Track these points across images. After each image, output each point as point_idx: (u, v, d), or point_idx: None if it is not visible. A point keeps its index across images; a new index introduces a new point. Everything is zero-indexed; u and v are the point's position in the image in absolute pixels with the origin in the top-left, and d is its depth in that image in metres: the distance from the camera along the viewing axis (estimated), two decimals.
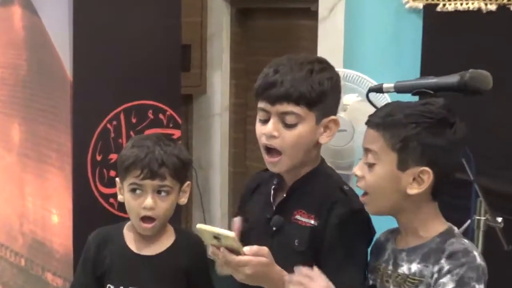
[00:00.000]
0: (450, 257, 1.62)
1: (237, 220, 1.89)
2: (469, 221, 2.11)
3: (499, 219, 2.14)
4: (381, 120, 1.70)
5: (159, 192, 2.03)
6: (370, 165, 1.70)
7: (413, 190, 1.67)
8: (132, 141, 2.11)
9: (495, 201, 2.19)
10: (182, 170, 2.08)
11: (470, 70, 1.80)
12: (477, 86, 1.80)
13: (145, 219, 2.05)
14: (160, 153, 2.04)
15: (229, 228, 1.88)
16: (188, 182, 2.12)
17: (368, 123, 1.74)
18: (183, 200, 2.11)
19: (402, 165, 1.66)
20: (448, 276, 1.60)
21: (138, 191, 2.03)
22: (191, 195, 4.20)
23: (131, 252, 2.09)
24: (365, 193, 1.73)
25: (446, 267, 1.61)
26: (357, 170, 1.73)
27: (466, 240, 1.69)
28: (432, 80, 1.87)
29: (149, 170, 2.01)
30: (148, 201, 2.02)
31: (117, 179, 2.12)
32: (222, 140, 4.18)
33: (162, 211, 2.04)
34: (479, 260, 1.63)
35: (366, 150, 1.72)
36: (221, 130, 4.17)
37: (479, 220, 2.13)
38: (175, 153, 2.07)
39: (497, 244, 2.18)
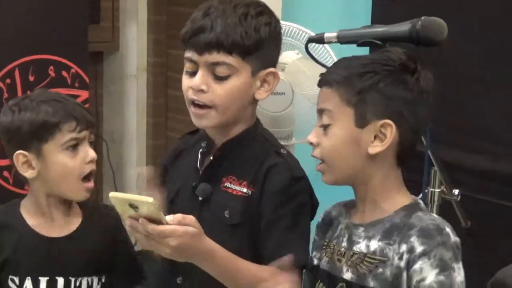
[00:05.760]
0: (422, 235, 1.66)
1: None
2: (421, 194, 2.18)
3: (456, 191, 2.23)
4: (334, 76, 1.75)
5: (90, 143, 2.10)
6: (325, 127, 1.74)
7: (376, 148, 1.71)
8: (28, 101, 2.08)
9: (452, 175, 2.28)
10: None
11: (423, 18, 1.84)
12: (430, 36, 1.84)
13: (85, 178, 2.08)
14: (75, 101, 2.16)
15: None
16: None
17: (320, 82, 1.78)
18: None
19: (361, 121, 1.71)
20: (425, 259, 1.64)
21: (74, 147, 2.06)
22: (101, 174, 4.22)
23: (37, 235, 2.10)
24: (322, 161, 1.77)
25: (420, 248, 1.65)
26: (312, 137, 1.77)
27: (435, 215, 1.74)
28: (380, 29, 1.91)
29: (85, 119, 2.07)
30: (92, 152, 2.09)
31: (18, 152, 2.07)
32: (139, 107, 4.21)
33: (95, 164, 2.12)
34: (452, 236, 1.68)
35: (320, 112, 1.76)
36: (137, 95, 4.20)
37: (433, 193, 2.22)
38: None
39: (453, 221, 2.28)
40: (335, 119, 1.73)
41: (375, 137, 1.72)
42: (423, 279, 1.64)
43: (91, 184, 2.09)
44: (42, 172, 2.07)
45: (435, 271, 1.63)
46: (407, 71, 1.73)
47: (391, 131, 1.71)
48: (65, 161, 2.06)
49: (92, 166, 2.08)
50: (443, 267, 1.63)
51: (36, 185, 2.11)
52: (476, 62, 2.74)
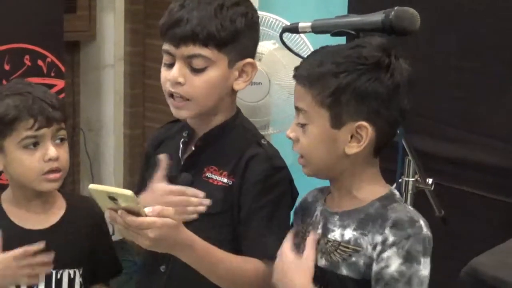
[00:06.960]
0: (395, 226, 1.67)
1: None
2: (395, 184, 2.19)
3: (430, 181, 2.25)
4: (306, 73, 1.74)
5: (56, 139, 2.06)
6: (303, 126, 1.75)
7: (352, 149, 1.72)
8: None
9: (426, 164, 2.29)
10: (65, 109, 2.13)
11: (396, 8, 1.86)
12: (403, 26, 1.86)
13: (49, 173, 2.05)
14: (44, 94, 2.07)
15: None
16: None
17: (295, 77, 1.78)
18: None
19: (336, 123, 1.71)
20: (394, 249, 1.65)
21: (35, 145, 2.03)
22: (78, 163, 4.21)
23: (18, 228, 2.09)
24: (301, 156, 1.78)
25: (391, 238, 1.66)
26: (290, 132, 1.78)
27: (410, 207, 1.75)
28: (353, 19, 1.93)
29: (45, 116, 2.03)
30: (52, 150, 2.04)
31: None
32: (116, 97, 4.20)
33: (65, 161, 2.07)
34: (425, 230, 1.68)
35: (297, 109, 1.77)
36: (114, 85, 4.19)
37: (407, 182, 2.23)
38: (48, 90, 2.12)
39: (427, 210, 2.30)
40: (310, 119, 1.73)
41: (351, 136, 1.72)
42: (387, 266, 1.65)
43: (53, 176, 2.06)
44: (6, 166, 2.08)
45: (400, 261, 1.65)
46: (381, 67, 1.71)
47: (366, 132, 1.71)
48: (23, 159, 2.05)
49: (52, 165, 2.05)
50: (408, 258, 1.65)
51: (8, 177, 2.11)
52: (451, 51, 2.75)
